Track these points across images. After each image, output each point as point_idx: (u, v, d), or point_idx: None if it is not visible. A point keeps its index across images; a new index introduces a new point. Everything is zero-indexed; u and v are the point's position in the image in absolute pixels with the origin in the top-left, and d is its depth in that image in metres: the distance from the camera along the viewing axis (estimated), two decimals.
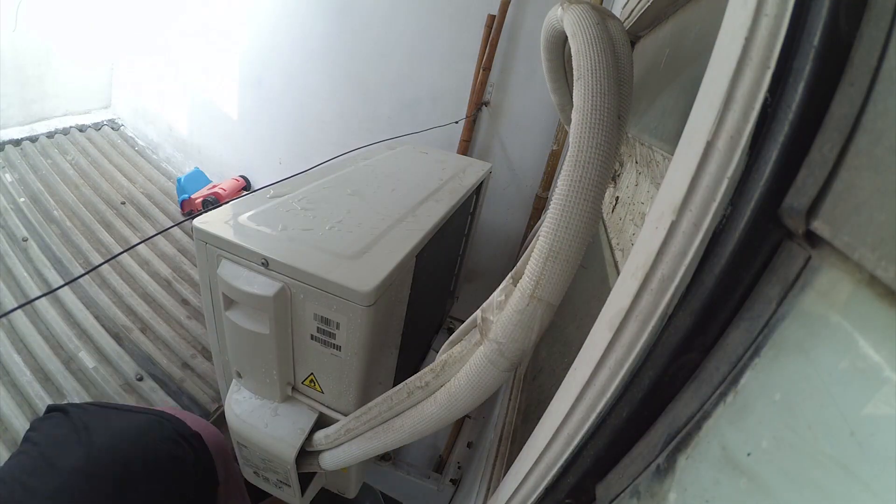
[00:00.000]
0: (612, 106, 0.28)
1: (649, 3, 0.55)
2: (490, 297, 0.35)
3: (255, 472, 0.67)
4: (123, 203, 1.58)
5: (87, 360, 1.12)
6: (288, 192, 0.68)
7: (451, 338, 0.40)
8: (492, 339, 0.31)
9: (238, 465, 0.69)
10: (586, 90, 0.28)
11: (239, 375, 0.63)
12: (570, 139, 0.28)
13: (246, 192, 1.32)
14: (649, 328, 0.20)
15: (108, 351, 1.16)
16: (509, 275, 0.36)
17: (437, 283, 0.96)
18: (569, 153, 0.28)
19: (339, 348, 0.54)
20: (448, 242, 0.90)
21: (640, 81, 0.36)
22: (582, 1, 0.38)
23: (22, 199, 1.43)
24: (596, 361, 0.23)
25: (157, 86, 1.81)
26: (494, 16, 1.24)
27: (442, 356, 0.39)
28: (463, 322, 0.42)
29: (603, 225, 0.64)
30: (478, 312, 0.36)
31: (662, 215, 0.20)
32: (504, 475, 0.42)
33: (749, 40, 0.17)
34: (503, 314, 0.30)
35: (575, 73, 0.30)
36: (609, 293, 0.25)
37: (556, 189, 0.28)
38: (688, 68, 0.43)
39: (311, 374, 0.59)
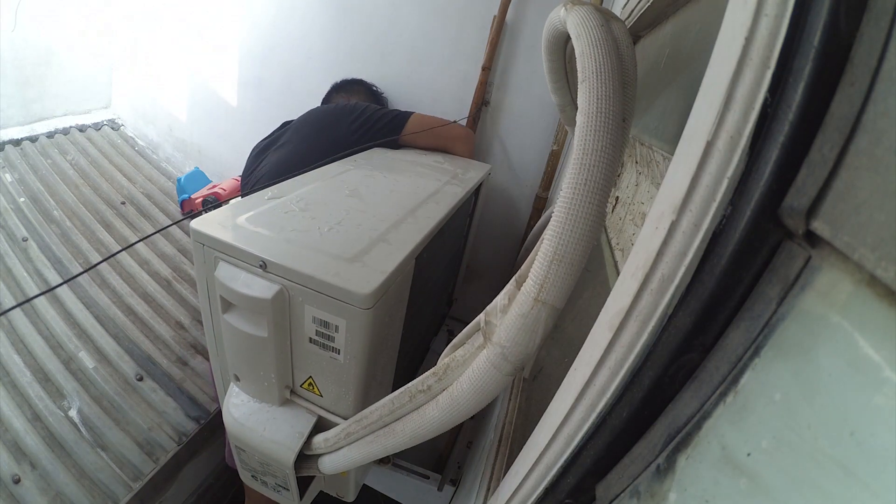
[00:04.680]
0: (616, 109, 0.28)
1: (649, 3, 0.55)
2: (494, 301, 0.35)
3: (252, 476, 0.67)
4: (123, 203, 1.58)
5: (87, 360, 1.12)
6: (286, 193, 0.68)
7: (453, 341, 0.40)
8: (495, 343, 0.31)
9: None
10: (591, 93, 0.28)
11: (237, 378, 0.63)
12: (575, 142, 0.28)
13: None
14: (649, 328, 0.20)
15: (108, 351, 1.16)
16: (513, 278, 0.36)
17: (437, 284, 0.96)
18: (573, 156, 0.28)
19: (338, 351, 0.54)
20: (447, 243, 0.90)
21: (640, 81, 0.36)
22: (584, 2, 0.38)
23: (22, 199, 1.43)
24: (596, 361, 0.23)
25: (157, 86, 1.80)
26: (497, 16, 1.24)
27: (444, 360, 0.38)
28: (462, 323, 0.42)
29: (603, 225, 0.64)
30: (481, 316, 0.35)
31: (662, 215, 0.20)
32: (504, 475, 0.41)
33: (749, 40, 0.17)
34: (507, 318, 0.30)
35: (580, 75, 0.30)
36: (609, 293, 0.25)
37: (561, 192, 0.28)
38: (688, 68, 0.43)
39: (310, 377, 0.59)
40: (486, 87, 1.32)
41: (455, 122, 1.16)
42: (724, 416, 0.17)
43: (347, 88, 1.34)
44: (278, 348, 0.56)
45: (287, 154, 1.04)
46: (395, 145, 1.10)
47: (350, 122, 1.04)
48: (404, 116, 1.10)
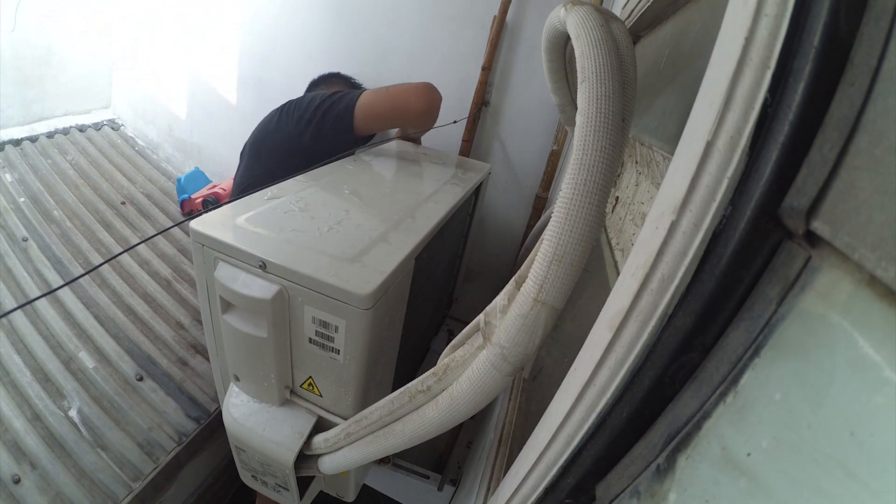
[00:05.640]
0: (616, 109, 0.28)
1: (649, 3, 0.55)
2: (493, 301, 0.35)
3: (252, 476, 0.67)
4: (123, 203, 1.58)
5: (87, 360, 1.12)
6: (286, 193, 0.68)
7: (453, 342, 0.40)
8: (495, 344, 0.31)
9: None
10: (591, 93, 0.28)
11: (237, 379, 0.63)
12: (575, 142, 0.28)
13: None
14: (649, 328, 0.20)
15: (108, 351, 1.16)
16: (513, 278, 0.36)
17: (437, 284, 0.96)
18: (573, 156, 0.28)
19: (337, 352, 0.54)
20: (447, 243, 0.90)
21: (640, 81, 0.36)
22: (584, 2, 0.38)
23: (22, 199, 1.43)
24: (596, 361, 0.23)
25: (157, 86, 1.81)
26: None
27: (444, 360, 0.38)
28: (462, 323, 0.42)
29: (603, 225, 0.64)
30: (480, 316, 0.35)
31: (662, 215, 0.20)
32: (504, 475, 0.41)
33: (749, 40, 0.17)
34: (506, 318, 0.30)
35: (579, 75, 0.30)
36: (609, 293, 0.25)
37: (561, 192, 0.28)
38: (688, 68, 0.43)
39: (310, 377, 0.59)
40: (486, 87, 1.32)
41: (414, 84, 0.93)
42: (724, 416, 0.17)
43: (323, 84, 1.28)
44: (278, 348, 0.56)
45: (242, 171, 1.02)
46: (354, 140, 0.94)
47: (296, 122, 0.92)
48: (351, 104, 0.90)
